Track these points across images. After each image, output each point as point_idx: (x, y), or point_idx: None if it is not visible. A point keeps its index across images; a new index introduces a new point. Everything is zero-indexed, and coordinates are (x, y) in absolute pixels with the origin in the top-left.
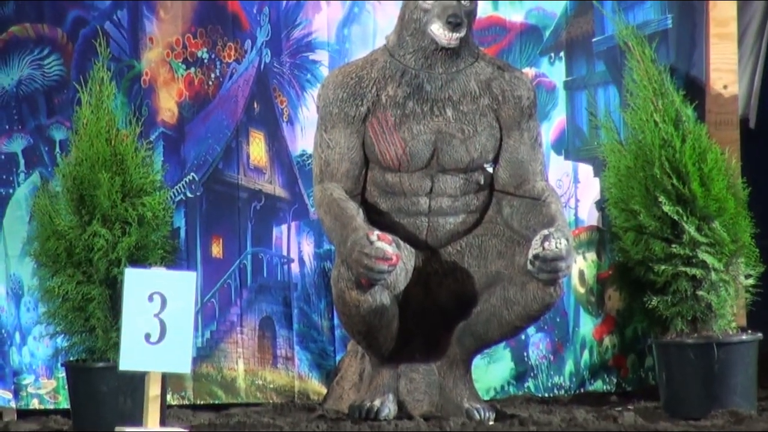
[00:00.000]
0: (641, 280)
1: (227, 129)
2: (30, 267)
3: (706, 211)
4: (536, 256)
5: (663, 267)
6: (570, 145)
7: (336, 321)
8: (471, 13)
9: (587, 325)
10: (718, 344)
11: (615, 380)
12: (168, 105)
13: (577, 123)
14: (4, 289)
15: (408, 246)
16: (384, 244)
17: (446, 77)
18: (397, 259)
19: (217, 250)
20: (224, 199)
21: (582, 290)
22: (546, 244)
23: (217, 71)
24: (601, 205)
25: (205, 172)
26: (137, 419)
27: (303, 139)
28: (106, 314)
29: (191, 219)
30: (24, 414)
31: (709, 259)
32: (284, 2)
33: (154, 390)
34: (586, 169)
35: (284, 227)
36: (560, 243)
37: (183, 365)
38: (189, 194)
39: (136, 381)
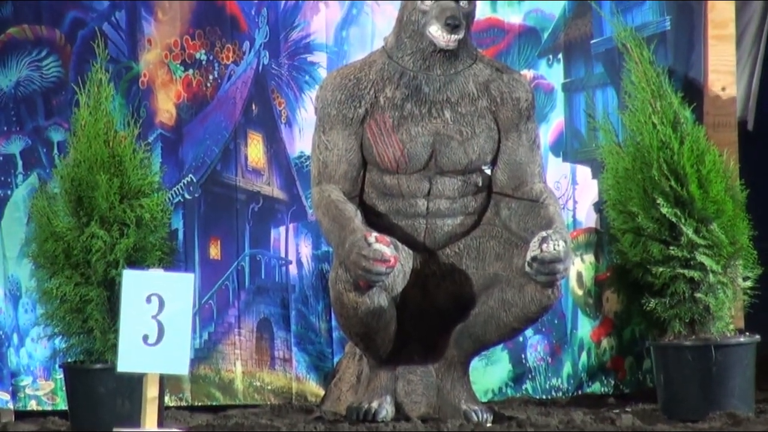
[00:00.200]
0: (639, 282)
1: (225, 131)
2: (28, 268)
3: (704, 213)
4: (534, 258)
5: (661, 269)
6: (568, 147)
7: (334, 323)
8: (469, 15)
9: (585, 327)
10: (716, 346)
11: (613, 382)
12: (166, 106)
13: (575, 125)
14: (2, 290)
15: (406, 248)
16: (382, 245)
17: (444, 79)
18: (395, 261)
19: (215, 251)
20: (222, 201)
21: (580, 292)
22: (544, 246)
23: (216, 73)
24: (599, 207)
25: (203, 173)
26: (135, 421)
27: (301, 141)
28: (104, 316)
29: (189, 221)
30: (22, 415)
31: (707, 262)
32: (282, 4)
33: (152, 391)
34: (584, 171)
35: (282, 229)
36: (558, 245)
37: (181, 367)
38: (187, 196)
39: (134, 382)
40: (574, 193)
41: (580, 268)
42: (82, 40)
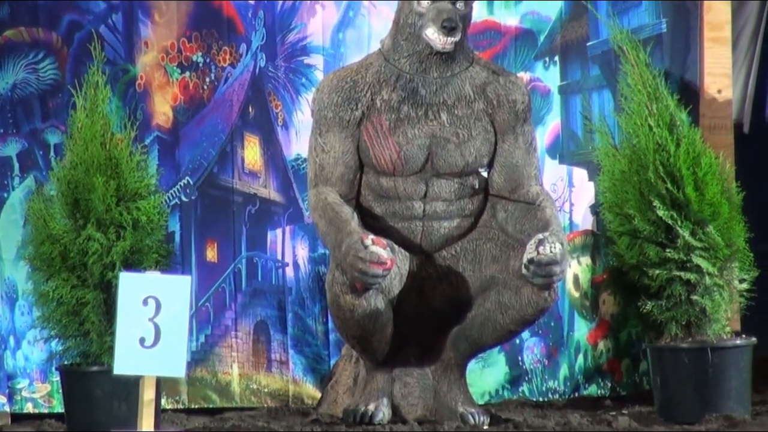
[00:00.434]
0: (636, 284)
1: (222, 133)
2: (24, 271)
3: (701, 216)
4: (531, 261)
5: (657, 271)
6: (564, 150)
7: (330, 325)
8: (466, 18)
9: (582, 330)
10: (712, 349)
11: (609, 384)
12: (163, 109)
13: (571, 127)
14: None
15: (402, 250)
16: (378, 248)
17: (441, 81)
18: (391, 264)
19: (211, 254)
20: (219, 203)
21: (576, 294)
22: (541, 248)
23: (212, 75)
24: (595, 210)
25: (200, 176)
26: (132, 423)
27: (298, 143)
28: (100, 318)
29: (186, 223)
30: (18, 418)
31: (704, 264)
32: (279, 6)
33: (148, 394)
34: (580, 174)
35: (279, 231)
36: (555, 247)
37: (177, 369)
38: (184, 198)
39: (131, 385)
40: (571, 195)
41: (576, 270)
42: (79, 42)
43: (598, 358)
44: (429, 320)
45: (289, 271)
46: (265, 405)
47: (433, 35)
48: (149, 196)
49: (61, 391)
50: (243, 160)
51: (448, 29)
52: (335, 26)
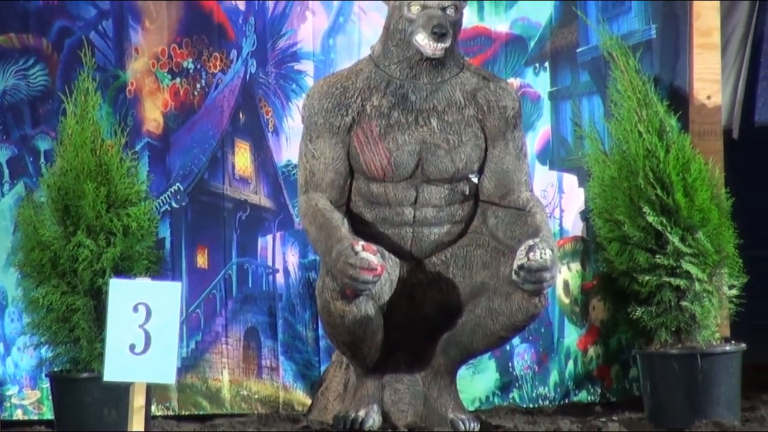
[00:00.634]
0: (625, 290)
1: (212, 139)
2: (14, 277)
3: (690, 222)
4: (521, 267)
5: (647, 277)
6: (555, 156)
7: (321, 331)
8: (456, 23)
9: (572, 336)
10: (701, 355)
11: (599, 391)
12: (153, 115)
13: (561, 133)
14: None
15: (393, 256)
16: (369, 254)
17: (431, 87)
18: (381, 270)
19: (202, 260)
20: (209, 210)
21: (566, 301)
22: (531, 254)
23: (203, 81)
24: (585, 216)
25: (191, 182)
26: (122, 430)
27: (288, 150)
28: (90, 325)
29: (176, 229)
30: (8, 425)
31: (693, 270)
32: (270, 12)
33: (138, 401)
34: (570, 180)
35: (269, 237)
36: (545, 253)
37: (168, 376)
38: (174, 204)
39: (121, 392)
40: (561, 201)
41: (566, 276)
42: (69, 48)
43: (588, 365)
44: (419, 326)
45: (280, 278)
46: (256, 411)
47: (424, 41)
48: (140, 203)
49: (51, 397)
50: (233, 167)
51: (438, 35)
52: (325, 32)
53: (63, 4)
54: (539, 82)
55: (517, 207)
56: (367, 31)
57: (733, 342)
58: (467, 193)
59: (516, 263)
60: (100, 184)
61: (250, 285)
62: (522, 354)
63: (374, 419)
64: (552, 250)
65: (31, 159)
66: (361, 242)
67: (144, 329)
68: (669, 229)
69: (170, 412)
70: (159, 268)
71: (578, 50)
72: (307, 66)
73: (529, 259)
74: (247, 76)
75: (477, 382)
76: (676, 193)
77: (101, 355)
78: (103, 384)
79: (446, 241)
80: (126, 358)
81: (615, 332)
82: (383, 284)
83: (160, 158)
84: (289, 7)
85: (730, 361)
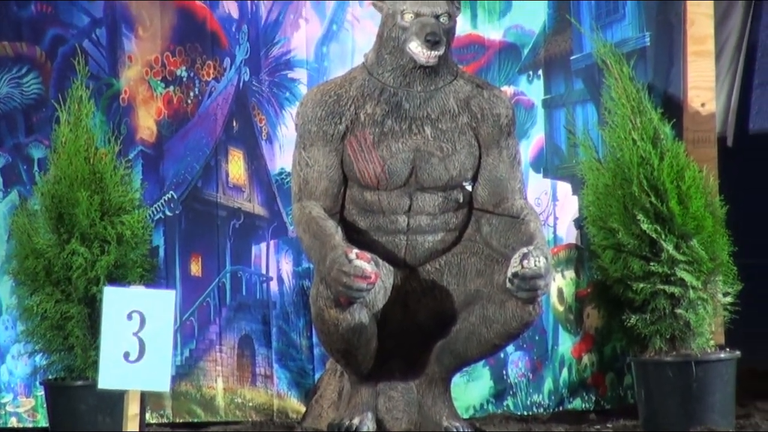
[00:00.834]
0: (620, 298)
1: (206, 147)
2: (8, 285)
3: (684, 229)
4: (515, 275)
5: (641, 285)
6: (548, 163)
7: (315, 339)
8: (449, 31)
9: (566, 344)
10: (696, 362)
11: (594, 398)
12: (147, 123)
13: (555, 141)
14: None
15: (387, 264)
16: (362, 262)
17: (425, 95)
18: (375, 278)
19: (196, 268)
20: (203, 218)
21: (561, 308)
22: (525, 262)
23: (196, 89)
24: (579, 224)
25: (184, 190)
26: None
27: (282, 158)
28: (84, 333)
29: (170, 237)
30: None
31: (688, 278)
32: (263, 20)
33: (133, 408)
34: (564, 187)
35: (263, 245)
36: (539, 261)
37: (162, 384)
38: (168, 212)
39: (115, 399)
40: (555, 209)
41: (561, 284)
42: (63, 56)
43: (583, 372)
44: (413, 334)
45: (274, 286)
46: (250, 419)
47: (417, 49)
48: (133, 211)
49: (45, 405)
50: (227, 175)
51: (431, 43)
52: (319, 40)
53: (56, 13)
54: (533, 89)
55: (511, 215)
56: (360, 39)
57: (727, 349)
58: (461, 201)
59: (510, 271)
60: (94, 192)
61: (244, 293)
62: (516, 362)
63: (368, 427)
64: (546, 258)
65: (24, 167)
66: (355, 250)
67: (138, 337)
68: (663, 236)
69: (164, 420)
70: (153, 276)
71: (572, 58)
72: (300, 74)
73: (523, 267)
74: (241, 84)
75: (471, 389)
76: (671, 201)
77: (96, 362)
78: (97, 392)
79: (440, 249)
80: (120, 366)
81: (609, 340)
82: (377, 292)
83: (153, 166)
84: (282, 15)
85: (725, 368)
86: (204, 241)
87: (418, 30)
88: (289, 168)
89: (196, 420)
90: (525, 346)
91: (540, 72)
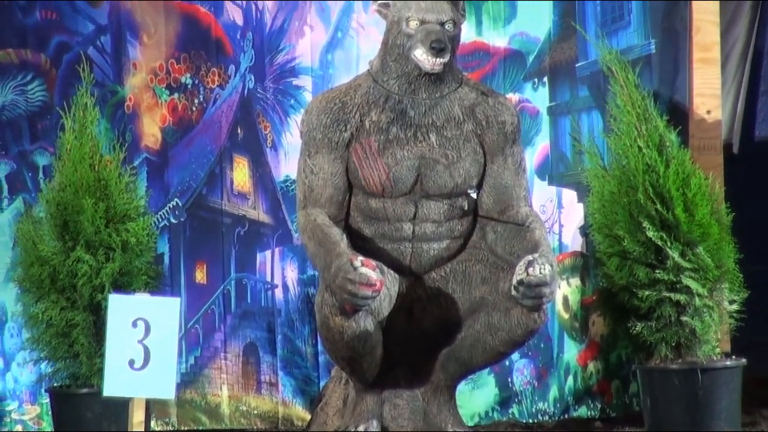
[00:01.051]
0: (625, 305)
1: (211, 154)
2: (14, 293)
3: (690, 237)
4: (520, 282)
5: (647, 292)
6: (554, 171)
7: (320, 347)
8: (454, 39)
9: (571, 351)
10: (702, 370)
11: (599, 406)
12: (151, 130)
13: (560, 148)
14: None
15: (392, 272)
16: (368, 269)
17: (430, 103)
18: (380, 285)
19: (200, 275)
20: (208, 225)
21: (566, 316)
22: (530, 269)
23: (201, 97)
24: (584, 231)
25: (189, 197)
26: None
27: (287, 165)
28: (89, 340)
29: (175, 245)
30: None
31: (693, 285)
32: (268, 27)
33: (138, 416)
34: (569, 195)
35: (268, 253)
36: (544, 269)
37: (167, 391)
38: (173, 220)
39: (120, 407)
40: (560, 216)
41: (566, 291)
42: (68, 64)
43: (588, 380)
44: (418, 342)
45: (279, 293)
46: (255, 427)
47: (422, 56)
48: (138, 218)
49: (50, 413)
50: (232, 182)
51: (436, 50)
52: (324, 47)
53: (61, 20)
54: (538, 97)
55: (516, 222)
56: (365, 46)
57: (733, 357)
58: (466, 208)
59: (515, 278)
60: (99, 200)
61: (248, 300)
62: (521, 369)
63: None
64: (551, 266)
65: (29, 174)
66: (360, 258)
67: (143, 344)
68: (669, 244)
69: (169, 428)
70: (158, 283)
71: (577, 65)
72: (305, 81)
73: (528, 275)
74: (245, 92)
75: (476, 397)
76: (676, 208)
77: (101, 370)
78: (102, 399)
79: (445, 256)
80: (125, 374)
81: (615, 347)
82: (382, 299)
83: (158, 173)
84: (287, 23)
85: (731, 376)
86: (209, 249)
87: (423, 37)
88: (293, 175)
89: (200, 428)
90: (530, 353)
91: (545, 79)
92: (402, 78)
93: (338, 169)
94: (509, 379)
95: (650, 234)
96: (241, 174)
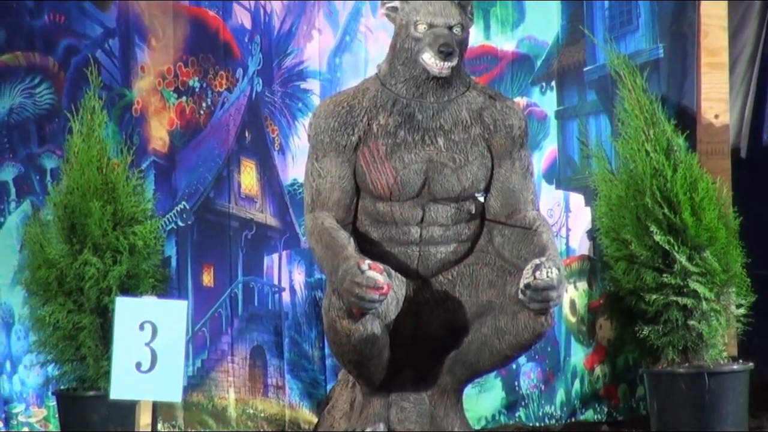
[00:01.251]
0: (632, 309)
1: (218, 158)
2: (21, 296)
3: (698, 241)
4: (527, 286)
5: (654, 296)
6: (561, 175)
7: (327, 350)
8: (462, 43)
9: (578, 355)
10: (709, 374)
11: (606, 410)
12: (159, 134)
13: (568, 152)
14: None
15: (399, 275)
16: (375, 273)
17: (438, 106)
18: (388, 288)
19: (208, 278)
20: (215, 228)
21: (573, 319)
22: (537, 273)
23: (209, 100)
24: (592, 235)
25: (197, 200)
26: None
27: (294, 168)
28: (96, 343)
29: (182, 248)
30: None
31: (701, 289)
32: (276, 31)
33: (144, 419)
34: (577, 199)
35: (275, 256)
36: (551, 272)
37: (174, 394)
38: (180, 223)
39: (127, 410)
40: (567, 220)
41: (573, 295)
42: (76, 67)
43: (595, 383)
44: (425, 345)
45: (286, 296)
46: (262, 430)
47: (430, 60)
48: (146, 221)
49: (57, 415)
50: (239, 185)
51: (444, 54)
52: (332, 51)
53: (69, 23)
54: (546, 101)
55: (523, 226)
56: (373, 50)
57: (740, 361)
58: (473, 212)
59: (522, 282)
60: (107, 203)
61: (256, 304)
62: (528, 373)
63: None
64: (559, 269)
65: (37, 177)
66: (368, 261)
67: (150, 347)
68: (676, 248)
69: (176, 431)
70: (165, 286)
71: (585, 69)
72: (313, 85)
73: (535, 278)
74: (253, 95)
75: (483, 400)
76: (684, 213)
77: (107, 373)
78: (109, 402)
79: (452, 260)
80: (132, 376)
81: (622, 351)
82: (389, 303)
83: (166, 177)
84: (295, 26)
85: (738, 380)
86: (216, 252)
87: (431, 41)
88: (301, 179)
89: (207, 430)
90: (537, 357)
91: (553, 83)
92: (410, 82)
93: (346, 172)
94: (516, 383)
95: (657, 238)
96: (248, 177)
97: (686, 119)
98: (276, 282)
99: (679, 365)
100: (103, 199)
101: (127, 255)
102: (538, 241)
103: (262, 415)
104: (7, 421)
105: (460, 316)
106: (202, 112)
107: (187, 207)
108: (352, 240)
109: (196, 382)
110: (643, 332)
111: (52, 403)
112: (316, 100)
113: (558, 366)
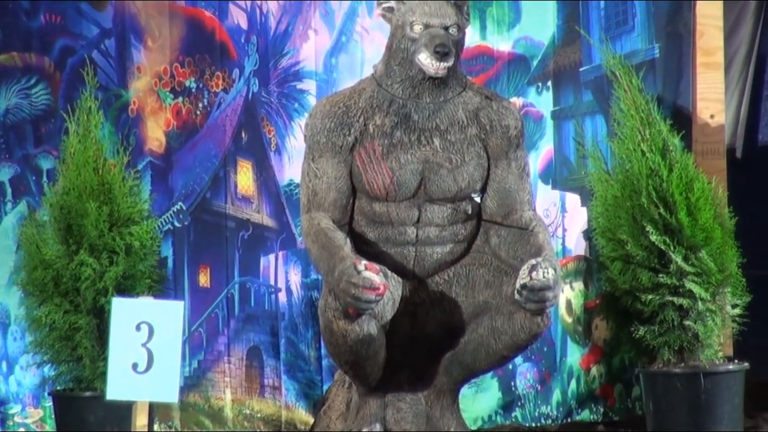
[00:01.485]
0: (628, 309)
1: (215, 158)
2: (17, 296)
3: (693, 241)
4: (524, 286)
5: (650, 296)
6: (557, 175)
7: (323, 350)
8: (458, 43)
9: (574, 355)
10: (704, 374)
11: (602, 410)
12: (156, 134)
13: (564, 152)
14: None
15: (395, 275)
16: (371, 273)
17: (434, 107)
18: (384, 289)
19: (204, 279)
20: (212, 229)
21: (569, 320)
22: (533, 273)
23: (205, 100)
24: (588, 235)
25: (193, 201)
26: None
27: (291, 169)
28: (93, 343)
29: (179, 248)
30: None
31: (696, 289)
32: (272, 31)
33: (141, 419)
34: (573, 199)
35: (272, 257)
36: (548, 273)
37: (170, 395)
38: (176, 224)
39: (123, 410)
40: (564, 220)
41: (569, 295)
42: (72, 67)
43: (591, 384)
44: (422, 345)
45: (282, 297)
46: (258, 430)
47: (426, 60)
48: (142, 222)
49: (53, 416)
50: (236, 186)
51: (440, 54)
52: (328, 51)
53: (66, 23)
54: (542, 101)
55: (519, 226)
56: (369, 50)
57: (736, 361)
58: (470, 212)
59: (519, 282)
60: (103, 203)
61: (252, 304)
62: (525, 373)
63: None
64: (555, 270)
65: (33, 178)
66: (364, 261)
67: (146, 348)
68: (672, 248)
69: (173, 431)
70: (161, 287)
71: (581, 69)
72: (309, 85)
73: (531, 279)
74: (250, 95)
75: (479, 401)
76: (680, 213)
77: (104, 373)
78: (105, 403)
79: (449, 260)
80: (128, 377)
81: (618, 351)
82: (386, 303)
83: (162, 177)
84: (291, 26)
85: (733, 380)
86: (212, 252)
87: (427, 41)
88: (297, 179)
89: (204, 431)
90: (533, 357)
91: (549, 83)
92: (406, 82)
93: (342, 173)
94: (512, 383)
95: (653, 238)
96: (245, 178)
97: (682, 119)
98: (272, 282)
99: (674, 365)
100: (100, 199)
101: (124, 256)
102: (535, 241)
103: (259, 415)
104: (3, 422)
105: (457, 317)
106: (198, 112)
107: (184, 207)
108: (348, 240)
109: (192, 382)
110: (639, 332)
111: (49, 403)
112: (312, 101)
113: (554, 366)
